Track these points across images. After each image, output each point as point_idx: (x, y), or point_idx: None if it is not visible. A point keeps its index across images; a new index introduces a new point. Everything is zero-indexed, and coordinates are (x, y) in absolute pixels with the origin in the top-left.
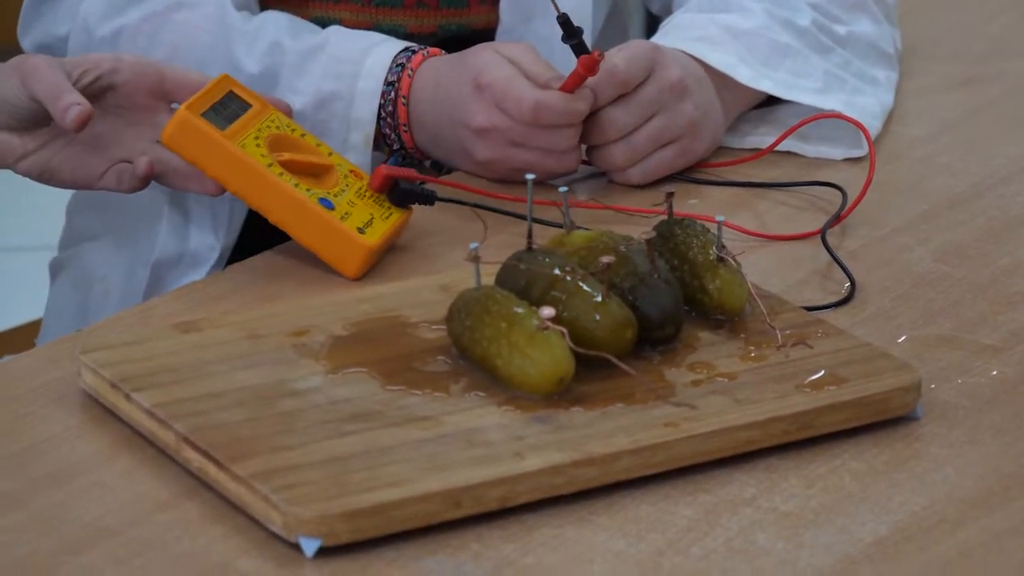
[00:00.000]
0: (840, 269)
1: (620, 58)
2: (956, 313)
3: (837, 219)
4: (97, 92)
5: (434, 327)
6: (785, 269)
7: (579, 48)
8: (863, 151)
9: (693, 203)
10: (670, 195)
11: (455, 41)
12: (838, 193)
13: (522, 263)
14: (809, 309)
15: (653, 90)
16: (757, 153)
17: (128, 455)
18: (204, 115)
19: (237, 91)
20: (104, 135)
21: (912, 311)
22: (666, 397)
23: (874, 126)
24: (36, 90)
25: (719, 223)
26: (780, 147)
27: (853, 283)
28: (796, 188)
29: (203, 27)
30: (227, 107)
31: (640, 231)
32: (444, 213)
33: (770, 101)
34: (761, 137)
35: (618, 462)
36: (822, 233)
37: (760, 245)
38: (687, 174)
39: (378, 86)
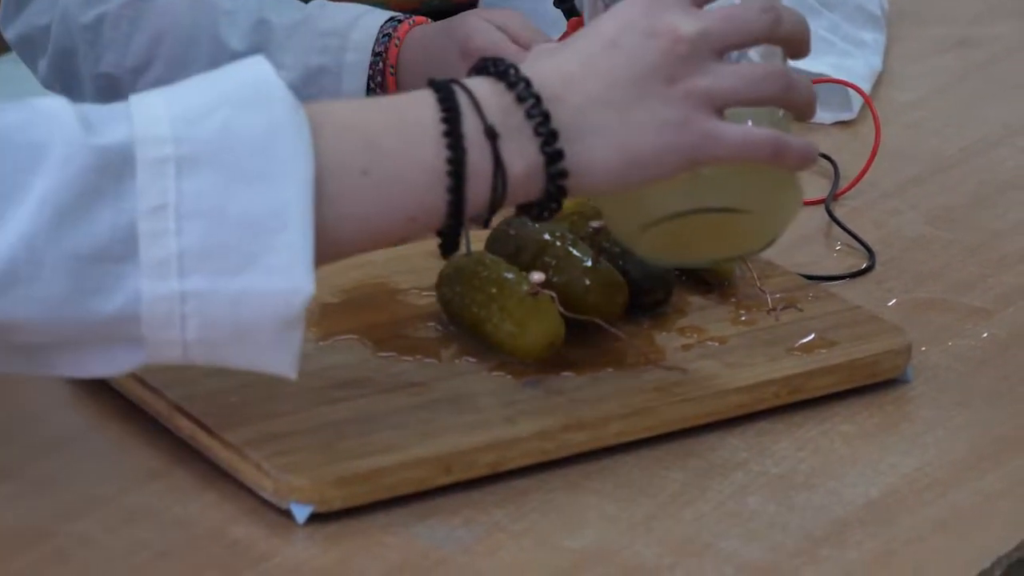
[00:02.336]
0: (843, 235)
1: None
2: (946, 276)
3: (840, 190)
4: None
5: (424, 293)
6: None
7: (569, 11)
8: (852, 114)
9: None
10: None
11: (439, 14)
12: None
13: (512, 229)
14: (822, 279)
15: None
16: None
17: (120, 424)
18: None
19: None
20: None
21: (902, 275)
22: (656, 361)
23: (864, 88)
24: None
25: None
26: None
27: (872, 255)
28: None
29: (185, 8)
30: None
31: None
32: None
33: None
34: None
35: (609, 426)
36: (825, 203)
37: None
38: None
39: (366, 58)
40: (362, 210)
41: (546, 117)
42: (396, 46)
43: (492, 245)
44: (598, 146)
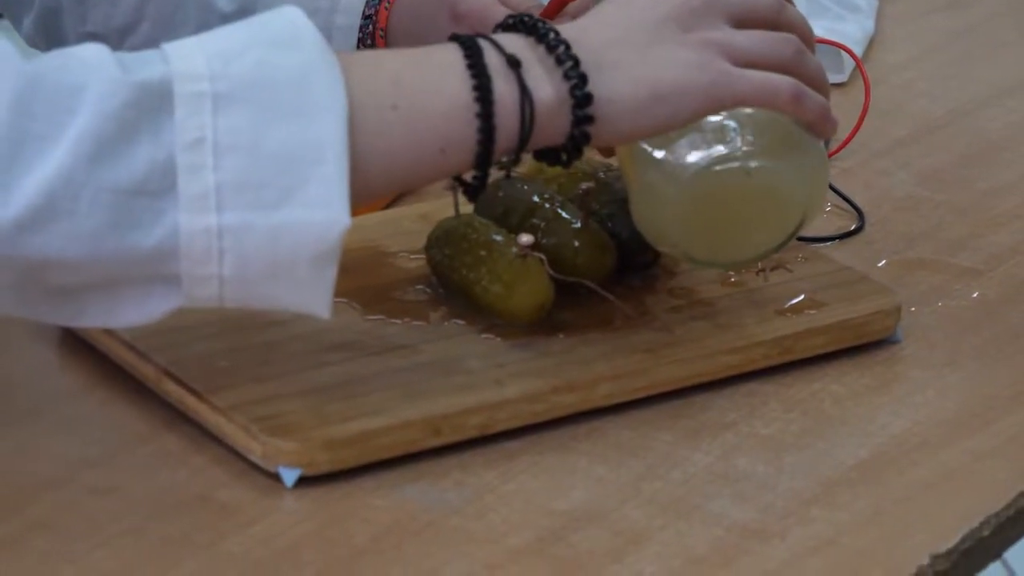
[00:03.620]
0: (833, 196)
1: None
2: (936, 237)
3: (832, 152)
4: None
5: (413, 256)
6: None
7: None
8: (843, 76)
9: None
10: None
11: None
12: None
13: (500, 191)
14: (812, 240)
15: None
16: None
17: (107, 388)
18: None
19: None
20: None
21: (892, 235)
22: (646, 323)
23: (856, 53)
24: None
25: None
26: None
27: (862, 216)
28: None
29: None
30: None
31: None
32: None
33: None
34: None
35: (598, 388)
36: None
37: None
38: None
39: (356, 21)
40: (394, 143)
41: (567, 46)
42: (386, 9)
43: (481, 207)
44: (620, 78)
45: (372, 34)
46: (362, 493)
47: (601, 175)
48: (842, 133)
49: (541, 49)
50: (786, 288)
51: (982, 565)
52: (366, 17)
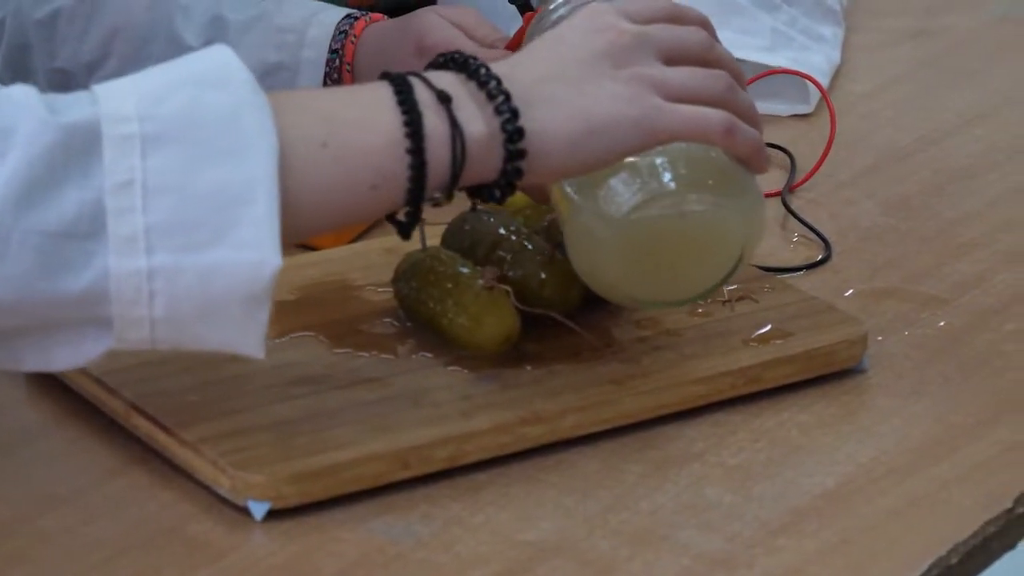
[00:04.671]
0: (800, 226)
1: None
2: (903, 265)
3: (797, 182)
4: None
5: (381, 289)
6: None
7: (524, 6)
8: (809, 107)
9: None
10: None
11: (395, 11)
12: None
13: (467, 224)
14: (779, 271)
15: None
16: None
17: (77, 424)
18: None
19: None
20: None
21: (858, 264)
22: (613, 354)
23: (822, 83)
24: None
25: None
26: None
27: (828, 245)
28: None
29: (141, 4)
30: None
31: None
32: None
33: None
34: None
35: (565, 419)
36: (782, 195)
37: None
38: None
39: (323, 55)
40: (325, 181)
41: (498, 81)
42: (352, 43)
43: (447, 240)
44: (553, 113)
45: (339, 68)
46: (331, 526)
47: None
48: (808, 163)
49: (472, 85)
50: (753, 318)
51: None
52: (332, 51)
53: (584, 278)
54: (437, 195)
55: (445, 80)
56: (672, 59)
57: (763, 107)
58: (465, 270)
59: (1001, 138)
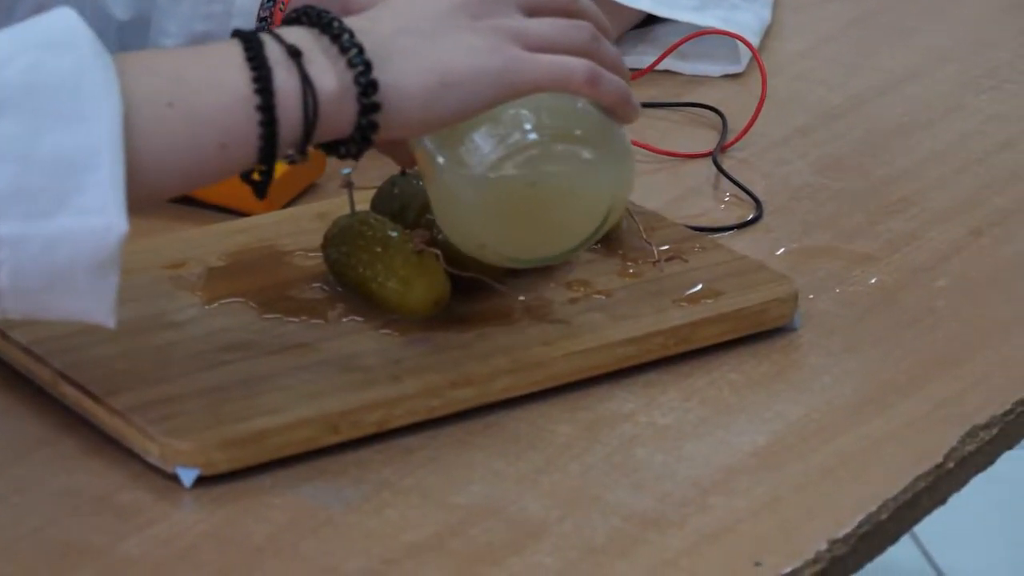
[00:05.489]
0: (731, 186)
1: None
2: (834, 224)
3: (728, 142)
4: None
5: (310, 255)
6: (670, 186)
7: None
8: (740, 67)
9: None
10: None
11: None
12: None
13: (396, 187)
14: (710, 231)
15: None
16: (636, 73)
17: (4, 393)
18: None
19: None
20: None
21: (790, 224)
22: (543, 316)
23: (752, 42)
24: None
25: None
26: (658, 66)
27: (759, 205)
28: (676, 107)
29: None
30: None
31: None
32: None
33: (648, 21)
34: (639, 57)
35: (495, 382)
36: (713, 155)
37: (642, 162)
38: None
39: (251, 23)
40: (171, 142)
41: (351, 34)
42: (281, 10)
43: (377, 204)
44: (408, 66)
45: None
46: (260, 492)
47: None
48: (740, 123)
49: (325, 39)
50: (683, 278)
51: (880, 549)
52: (261, 19)
53: (452, 239)
54: (291, 152)
55: (297, 35)
56: (534, 11)
57: (694, 68)
58: (394, 234)
59: (934, 96)
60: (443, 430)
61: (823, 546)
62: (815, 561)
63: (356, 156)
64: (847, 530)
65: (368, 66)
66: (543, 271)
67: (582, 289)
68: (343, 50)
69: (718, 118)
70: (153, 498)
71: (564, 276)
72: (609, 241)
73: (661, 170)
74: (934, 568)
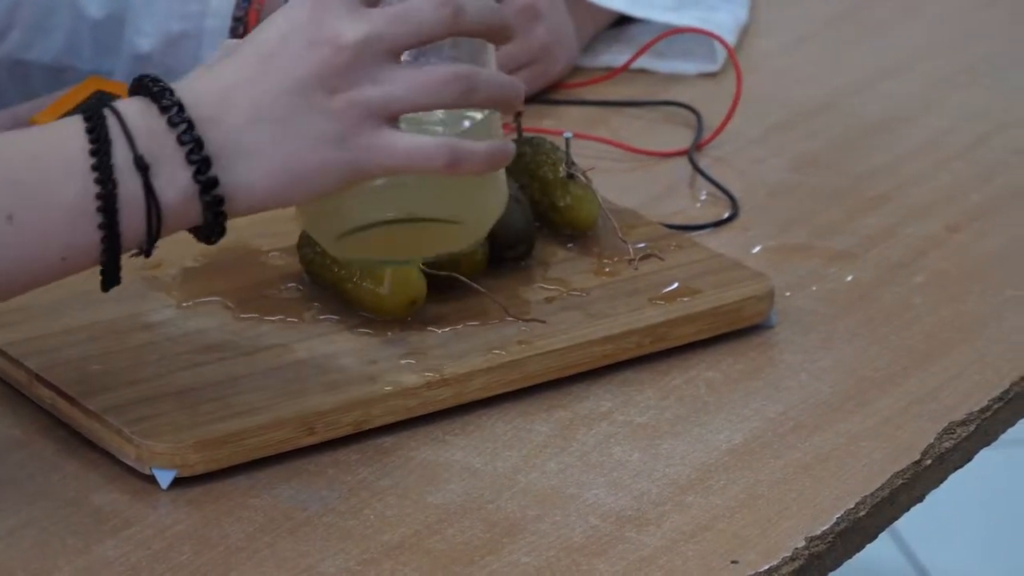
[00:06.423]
0: (708, 184)
1: None
2: (811, 221)
3: (704, 140)
4: None
5: (286, 255)
6: (647, 185)
7: None
8: (716, 66)
9: (549, 124)
10: (518, 115)
11: None
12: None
13: None
14: (686, 229)
15: (505, 14)
16: (611, 72)
17: None
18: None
19: (107, 89)
20: None
21: (767, 221)
22: (520, 315)
23: (729, 42)
24: None
25: (567, 139)
26: (634, 65)
27: (735, 203)
28: (652, 105)
29: None
30: None
31: None
32: None
33: (624, 20)
34: (615, 56)
35: (472, 381)
36: (689, 153)
37: (618, 161)
38: (542, 95)
39: (226, 23)
40: (11, 255)
41: (199, 144)
42: (256, 10)
43: None
44: (256, 168)
45: (242, 36)
46: (237, 493)
47: None
48: (715, 122)
49: (172, 140)
50: (659, 277)
51: (859, 546)
52: (236, 19)
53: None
54: (136, 251)
55: (140, 120)
56: (424, 40)
57: (670, 67)
58: None
59: (909, 93)
60: (420, 430)
61: (801, 543)
62: (793, 559)
63: (213, 241)
64: (825, 527)
65: (207, 163)
66: (519, 272)
67: (558, 288)
68: (189, 160)
69: (694, 116)
70: (129, 499)
71: (540, 275)
72: (585, 240)
73: (637, 169)
74: (915, 566)
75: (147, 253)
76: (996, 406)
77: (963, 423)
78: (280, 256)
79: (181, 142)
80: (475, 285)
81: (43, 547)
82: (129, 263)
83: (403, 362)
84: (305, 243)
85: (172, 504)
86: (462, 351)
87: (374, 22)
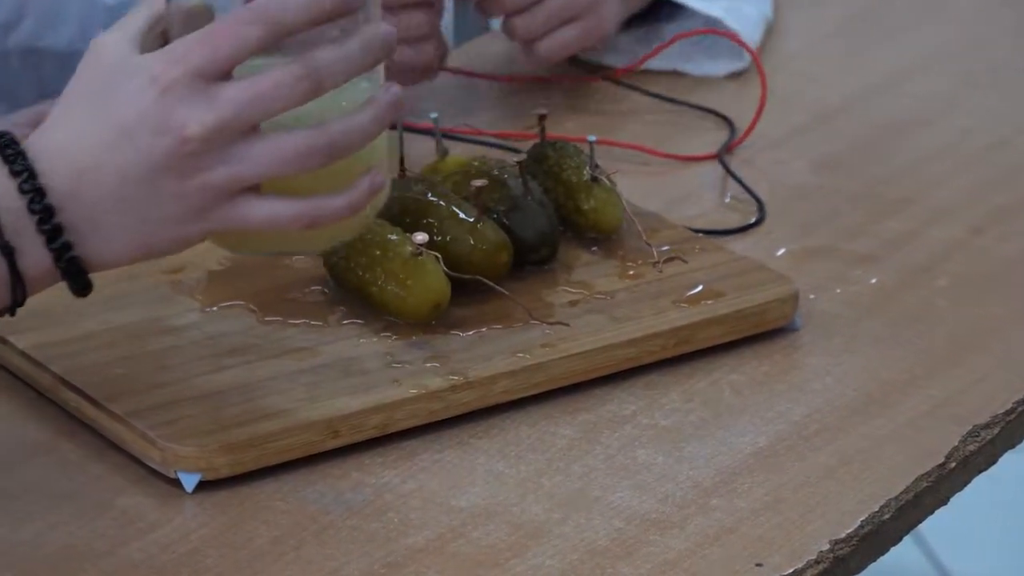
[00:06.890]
0: (738, 188)
1: None
2: (834, 224)
3: (733, 143)
4: None
5: (309, 258)
6: (670, 188)
7: None
8: (744, 63)
9: (570, 127)
10: (542, 117)
11: None
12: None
13: (394, 190)
14: (710, 233)
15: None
16: (624, 68)
17: (5, 398)
18: None
19: None
20: None
21: (790, 224)
22: (544, 318)
23: (755, 36)
24: None
25: (591, 143)
26: (664, 67)
27: (762, 207)
28: (677, 108)
29: None
30: None
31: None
32: None
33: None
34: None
35: (496, 384)
36: (719, 157)
37: (642, 165)
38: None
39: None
40: None
41: (49, 212)
42: None
43: None
44: (113, 239)
45: None
46: (262, 496)
47: (496, 172)
48: (742, 124)
49: (33, 222)
50: (683, 279)
51: (883, 549)
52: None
53: None
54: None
55: (6, 203)
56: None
57: (700, 70)
58: (394, 237)
59: (931, 94)
60: (444, 433)
61: (825, 546)
62: (817, 562)
63: (86, 294)
64: (849, 530)
65: (74, 261)
66: (543, 275)
67: (582, 291)
68: (49, 247)
69: (715, 119)
70: (155, 503)
71: (564, 278)
72: (609, 243)
73: (661, 172)
74: (939, 570)
75: (12, 313)
76: (1020, 409)
77: (987, 426)
78: (304, 259)
79: (31, 211)
80: (499, 288)
81: (69, 550)
82: (152, 266)
83: (427, 365)
84: None
85: (197, 507)
86: (486, 354)
87: (222, 109)
